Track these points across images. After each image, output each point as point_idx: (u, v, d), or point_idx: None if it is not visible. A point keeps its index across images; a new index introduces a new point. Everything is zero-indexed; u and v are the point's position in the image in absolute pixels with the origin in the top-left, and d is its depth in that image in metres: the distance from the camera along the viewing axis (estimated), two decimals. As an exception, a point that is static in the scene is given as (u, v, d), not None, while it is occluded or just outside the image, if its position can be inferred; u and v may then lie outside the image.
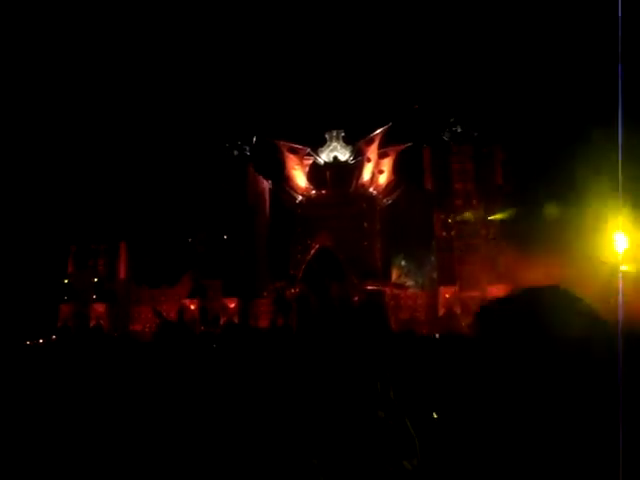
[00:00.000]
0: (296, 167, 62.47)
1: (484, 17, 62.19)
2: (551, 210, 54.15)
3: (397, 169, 62.14)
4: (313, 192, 62.61)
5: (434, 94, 59.85)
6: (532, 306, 2.29)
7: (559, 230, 53.93)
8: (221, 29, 66.09)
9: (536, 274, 45.92)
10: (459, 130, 59.97)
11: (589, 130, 55.30)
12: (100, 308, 59.45)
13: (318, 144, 63.45)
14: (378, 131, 61.16)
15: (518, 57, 59.49)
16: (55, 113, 61.15)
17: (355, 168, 62.10)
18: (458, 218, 57.94)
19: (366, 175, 61.58)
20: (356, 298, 55.17)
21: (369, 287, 56.14)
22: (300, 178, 62.66)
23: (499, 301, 2.42)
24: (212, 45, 64.98)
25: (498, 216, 56.83)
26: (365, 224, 60.59)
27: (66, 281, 60.87)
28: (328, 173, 62.12)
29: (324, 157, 63.09)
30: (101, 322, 58.79)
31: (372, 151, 61.53)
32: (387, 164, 62.18)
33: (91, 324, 58.66)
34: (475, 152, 58.97)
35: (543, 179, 53.63)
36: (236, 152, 62.74)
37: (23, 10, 59.71)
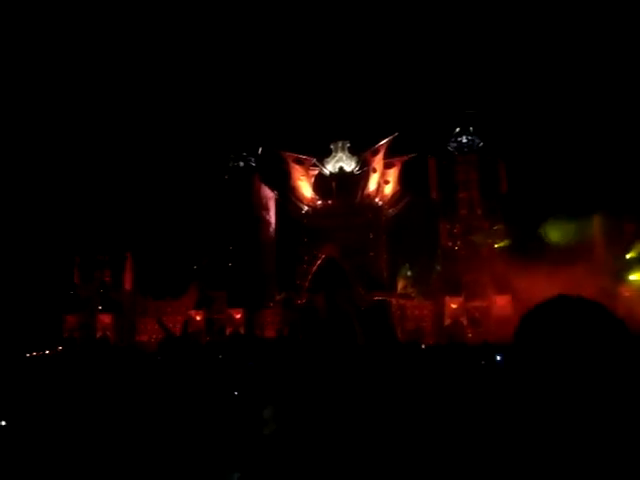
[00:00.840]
0: (302, 178, 62.58)
1: (489, 29, 62.39)
2: (555, 220, 54.12)
3: (402, 179, 62.19)
4: (319, 202, 62.69)
5: (439, 105, 59.98)
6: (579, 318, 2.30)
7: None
8: (228, 41, 66.41)
9: (541, 283, 45.79)
10: (464, 140, 60.05)
11: (590, 138, 55.40)
12: (106, 319, 59.42)
13: (324, 155, 63.59)
14: (383, 142, 61.27)
15: (523, 68, 59.65)
16: (62, 124, 61.46)
17: (361, 178, 62.17)
18: (463, 228, 57.89)
19: (372, 185, 61.64)
20: (362, 308, 55.09)
21: (375, 297, 56.04)
22: (306, 188, 62.76)
23: (544, 308, 2.42)
24: (219, 57, 65.28)
25: (503, 225, 56.76)
26: (371, 234, 60.59)
27: (72, 292, 60.91)
28: (334, 183, 62.20)
29: (330, 168, 63.20)
30: (107, 333, 58.80)
31: (378, 161, 61.62)
32: (393, 174, 62.25)
33: (97, 335, 58.67)
34: (479, 162, 59.02)
35: (547, 188, 53.63)
36: (242, 163, 62.89)
37: (24, 17, 60.09)
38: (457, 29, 62.79)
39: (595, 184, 52.04)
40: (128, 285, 61.21)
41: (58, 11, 61.58)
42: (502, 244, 56.20)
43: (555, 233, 53.08)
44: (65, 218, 58.32)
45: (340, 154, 63.36)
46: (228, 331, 57.66)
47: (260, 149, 63.18)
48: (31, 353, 53.28)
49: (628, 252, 54.16)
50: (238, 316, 58.13)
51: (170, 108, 62.14)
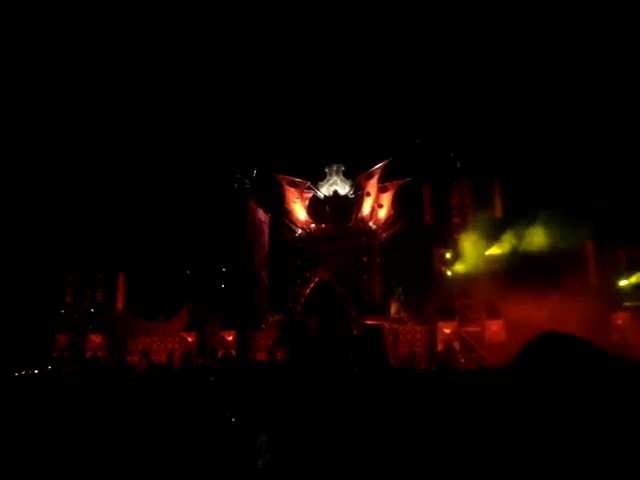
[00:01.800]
0: (296, 200, 62.61)
1: (482, 56, 62.97)
2: (550, 244, 54.26)
3: (396, 204, 62.28)
4: (313, 226, 62.68)
5: (434, 130, 60.32)
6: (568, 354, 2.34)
7: (558, 265, 54.01)
8: (225, 65, 66.78)
9: (535, 309, 45.80)
10: (458, 165, 60.29)
11: (584, 165, 55.73)
12: (97, 339, 59.01)
13: (318, 178, 63.75)
14: (378, 166, 61.42)
15: (518, 95, 60.13)
16: (58, 142, 61.51)
17: (355, 202, 62.26)
18: (457, 252, 57.93)
19: (366, 209, 61.70)
20: (355, 332, 54.89)
21: (368, 321, 55.85)
22: (300, 212, 62.76)
23: (537, 345, 2.46)
24: (215, 80, 65.63)
25: (497, 250, 56.81)
26: (364, 258, 60.51)
27: (63, 311, 60.55)
28: (328, 207, 62.23)
29: (324, 191, 63.31)
30: (97, 353, 58.38)
31: (372, 185, 61.72)
32: (387, 198, 62.34)
33: (87, 355, 58.23)
34: (473, 186, 59.24)
35: (541, 213, 53.85)
36: (236, 185, 62.96)
37: (25, 18, 60.33)
38: (452, 54, 63.37)
39: (589, 210, 52.23)
40: (120, 305, 60.90)
41: (64, 20, 61.89)
42: (495, 269, 56.26)
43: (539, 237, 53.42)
44: (58, 237, 58.19)
45: (335, 178, 63.52)
46: (220, 353, 57.33)
47: (255, 171, 63.33)
48: (20, 372, 52.89)
49: (622, 278, 54.24)
50: (230, 338, 57.82)
51: (166, 130, 62.34)
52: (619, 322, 51.20)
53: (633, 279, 53.95)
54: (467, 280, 56.82)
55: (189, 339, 58.29)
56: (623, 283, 54.33)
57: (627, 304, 52.91)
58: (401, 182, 61.91)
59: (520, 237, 54.34)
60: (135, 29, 63.39)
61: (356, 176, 63.03)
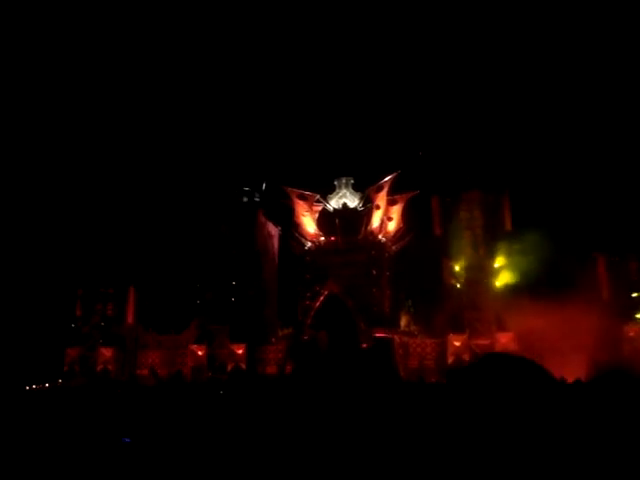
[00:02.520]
0: (305, 213, 62.61)
1: (492, 67, 63.04)
2: (560, 257, 54.09)
3: (406, 216, 62.17)
4: (322, 239, 62.62)
5: (443, 143, 60.36)
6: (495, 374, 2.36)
7: (569, 278, 53.79)
8: (234, 78, 67.14)
9: (544, 322, 45.62)
10: (467, 178, 60.23)
11: (594, 179, 55.61)
12: (107, 352, 59.09)
13: (327, 191, 63.77)
14: (387, 178, 61.39)
15: (526, 106, 60.11)
16: (66, 156, 61.91)
17: (364, 215, 62.17)
18: (467, 265, 57.82)
19: (375, 222, 61.61)
20: (365, 345, 54.76)
21: (378, 334, 55.70)
22: (309, 225, 62.75)
23: (468, 367, 2.46)
24: (225, 93, 65.96)
25: (507, 263, 56.70)
26: (374, 271, 60.35)
27: (73, 325, 60.70)
28: (337, 220, 62.16)
29: (333, 204, 63.29)
30: (108, 366, 58.44)
31: (381, 198, 61.67)
32: (396, 211, 62.23)
33: (98, 368, 58.31)
34: (483, 199, 59.17)
35: (552, 226, 53.69)
36: (246, 198, 63.13)
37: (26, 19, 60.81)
38: (462, 67, 63.42)
39: (599, 223, 52.10)
40: (130, 319, 61.02)
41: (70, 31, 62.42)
42: (505, 281, 56.14)
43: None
44: (69, 251, 58.45)
45: (344, 190, 63.52)
46: (229, 367, 57.27)
47: (264, 185, 63.47)
48: (31, 386, 53.01)
49: (633, 291, 53.97)
50: (240, 351, 57.78)
51: (176, 144, 62.64)
52: (631, 334, 50.97)
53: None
54: (477, 293, 56.70)
55: (199, 352, 58.26)
56: (634, 295, 54.07)
57: (639, 316, 52.66)
58: (410, 195, 61.79)
59: (530, 250, 54.13)
60: (145, 39, 63.86)
61: (365, 189, 63.02)
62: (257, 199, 63.52)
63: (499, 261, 57.32)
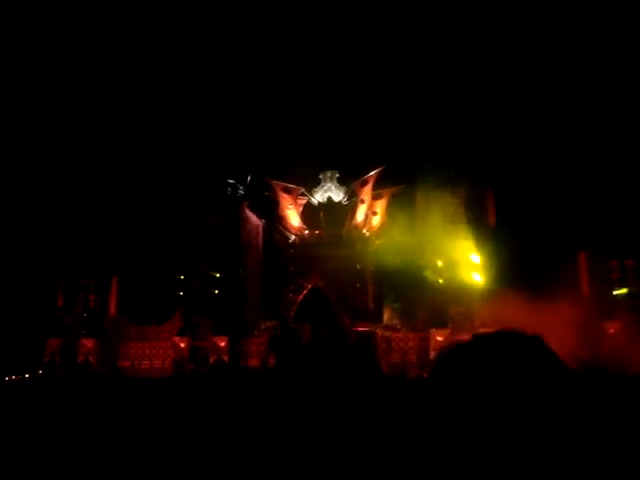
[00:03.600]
0: (290, 207, 62.61)
1: (476, 64, 63.20)
2: (543, 254, 54.45)
3: (390, 211, 62.31)
4: (306, 232, 62.67)
5: (428, 137, 60.46)
6: (486, 353, 2.32)
7: (551, 274, 54.18)
8: (216, 69, 66.79)
9: (527, 318, 45.87)
10: (451, 173, 60.43)
11: (579, 174, 55.98)
12: (89, 343, 58.69)
13: (312, 184, 63.77)
14: (372, 173, 61.52)
15: (510, 101, 60.34)
16: (49, 143, 61.38)
17: (349, 209, 62.31)
18: (450, 260, 58.05)
19: (360, 216, 61.75)
20: (347, 339, 54.88)
21: (360, 328, 55.87)
22: (294, 218, 62.76)
23: (456, 347, 2.43)
24: (208, 84, 65.60)
25: (490, 258, 57.00)
26: (357, 265, 60.54)
27: (54, 315, 60.26)
28: (322, 213, 62.26)
29: (318, 197, 63.35)
30: (89, 358, 58.08)
31: (366, 193, 61.81)
32: (380, 206, 62.40)
33: (79, 360, 57.93)
34: (467, 194, 59.41)
35: (535, 221, 54.07)
36: (230, 190, 62.89)
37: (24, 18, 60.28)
38: (446, 62, 63.53)
39: (582, 219, 52.48)
40: (113, 310, 60.70)
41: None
42: (487, 277, 56.43)
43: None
44: (51, 241, 58.01)
45: (329, 184, 63.59)
46: (212, 359, 57.16)
47: (249, 177, 63.26)
48: (10, 377, 52.62)
49: (614, 288, 54.43)
50: (222, 344, 57.66)
51: (159, 135, 62.24)
52: (611, 331, 51.39)
53: (625, 289, 54.17)
54: (459, 288, 56.97)
55: (181, 344, 58.08)
56: (616, 292, 54.55)
57: (619, 313, 53.14)
58: (395, 189, 61.99)
59: (513, 246, 54.45)
60: (119, 27, 63.38)
61: (350, 183, 63.13)
62: (241, 192, 63.28)
63: (482, 256, 57.59)
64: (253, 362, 57.60)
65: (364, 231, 61.99)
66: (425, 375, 52.31)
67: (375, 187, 62.15)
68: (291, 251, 62.35)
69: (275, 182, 62.42)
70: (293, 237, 62.72)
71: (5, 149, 59.49)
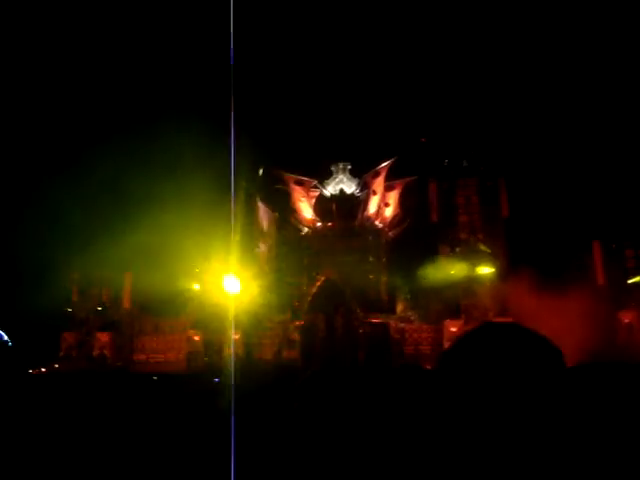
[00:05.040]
0: (302, 199, 62.60)
1: (489, 54, 62.79)
2: (555, 244, 54.20)
3: (403, 202, 62.23)
4: (319, 224, 62.66)
5: (440, 128, 60.25)
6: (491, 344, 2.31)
7: (565, 264, 53.95)
8: (228, 63, 66.66)
9: (541, 308, 45.76)
10: (465, 164, 60.24)
11: (592, 164, 55.60)
12: (104, 337, 59.18)
13: (324, 177, 63.72)
14: (384, 164, 61.39)
15: (523, 91, 59.97)
16: (43, 142, 61.62)
17: (361, 201, 62.23)
18: (463, 251, 57.94)
19: (372, 208, 61.67)
20: (361, 331, 54.94)
21: (374, 320, 55.90)
22: (306, 210, 62.75)
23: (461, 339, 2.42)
24: (217, 75, 65.52)
25: (504, 249, 56.84)
26: (370, 257, 60.49)
27: (69, 309, 60.72)
28: (334, 206, 62.21)
29: (330, 189, 63.29)
30: (105, 351, 58.53)
31: (378, 184, 61.70)
32: (393, 197, 62.29)
33: (95, 353, 58.40)
34: (480, 185, 59.22)
35: (549, 212, 53.80)
36: (243, 183, 62.94)
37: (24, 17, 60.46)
38: (458, 52, 63.17)
39: (596, 209, 52.17)
40: (127, 304, 61.02)
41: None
42: (501, 268, 56.26)
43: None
44: (65, 235, 58.26)
45: (341, 176, 63.51)
46: (226, 352, 57.37)
47: (261, 170, 63.28)
48: (27, 370, 53.08)
49: (629, 277, 54.18)
50: (236, 337, 57.85)
51: (173, 127, 62.25)
52: (626, 321, 51.17)
53: (638, 276, 53.96)
54: (473, 279, 56.86)
55: (195, 338, 58.37)
56: (631, 281, 54.29)
57: (634, 303, 52.90)
58: (407, 181, 61.85)
59: (526, 236, 54.26)
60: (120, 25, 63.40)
61: (362, 174, 63.02)
62: (254, 184, 63.30)
63: (495, 247, 57.43)
64: (266, 355, 57.78)
65: (377, 222, 61.90)
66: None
67: (387, 178, 62.02)
68: (304, 243, 62.36)
69: (288, 175, 62.43)
70: (306, 229, 62.73)
71: (3, 147, 59.80)
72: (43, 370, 56.08)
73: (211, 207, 60.33)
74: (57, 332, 59.30)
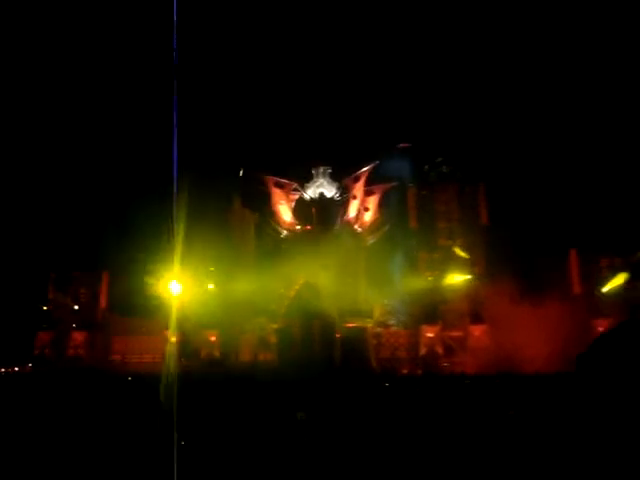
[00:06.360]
0: (282, 202, 62.46)
1: (470, 60, 63.23)
2: (532, 252, 54.68)
3: (382, 207, 62.33)
4: (298, 227, 62.52)
5: (420, 134, 60.47)
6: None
7: (542, 272, 54.45)
8: (208, 63, 66.54)
9: (517, 315, 46.11)
10: (444, 170, 60.56)
11: (569, 175, 56.16)
12: (79, 337, 58.56)
13: (305, 180, 63.61)
14: (364, 169, 61.49)
15: (503, 98, 60.41)
16: (34, 141, 61.13)
17: (341, 205, 62.22)
18: (441, 257, 58.18)
19: (351, 212, 61.71)
20: (338, 335, 54.87)
21: (351, 324, 55.86)
22: (286, 213, 62.61)
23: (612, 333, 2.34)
24: (197, 78, 65.33)
25: (482, 256, 57.17)
26: (349, 261, 60.41)
27: (45, 308, 60.03)
28: (314, 209, 62.13)
29: (310, 193, 63.20)
30: (79, 351, 57.88)
31: (358, 188, 61.75)
32: (372, 202, 62.36)
33: (69, 353, 57.71)
34: (460, 192, 59.56)
35: (527, 220, 54.22)
36: (222, 185, 62.63)
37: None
38: (438, 58, 63.53)
39: (573, 217, 52.66)
40: (103, 304, 60.47)
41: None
42: (478, 275, 56.58)
43: None
44: (42, 234, 57.70)
45: (321, 180, 63.44)
46: (202, 354, 57.07)
47: (241, 172, 63.02)
48: (0, 370, 52.48)
49: (603, 286, 54.74)
50: (213, 339, 57.59)
51: (149, 129, 61.93)
52: (600, 329, 51.63)
53: (612, 284, 54.57)
54: (450, 285, 57.12)
55: (172, 339, 57.92)
56: (605, 290, 54.86)
57: (608, 311, 53.42)
58: (387, 186, 61.96)
59: (504, 243, 54.61)
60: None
61: (343, 179, 63.02)
62: (234, 186, 63.05)
63: (473, 254, 57.74)
64: (244, 357, 57.52)
65: (356, 227, 61.94)
66: (416, 371, 52.50)
67: (367, 183, 62.11)
68: (283, 246, 62.15)
69: (268, 177, 62.27)
70: (285, 232, 62.55)
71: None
72: (16, 369, 55.44)
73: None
74: (32, 331, 58.53)
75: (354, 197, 61.70)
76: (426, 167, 61.26)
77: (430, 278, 57.84)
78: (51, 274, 60.52)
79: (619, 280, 54.60)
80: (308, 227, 62.36)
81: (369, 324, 57.14)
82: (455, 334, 55.61)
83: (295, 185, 63.00)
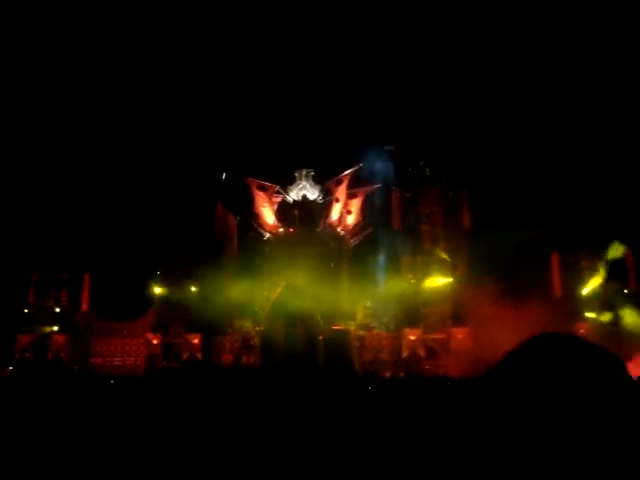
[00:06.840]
0: (265, 204, 62.41)
1: (453, 64, 63.62)
2: (515, 255, 55.02)
3: (365, 210, 62.51)
4: (281, 230, 62.52)
5: (403, 137, 60.74)
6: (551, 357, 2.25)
7: (524, 275, 54.80)
8: (193, 66, 66.45)
9: (500, 318, 46.31)
10: (427, 173, 60.82)
11: (551, 177, 56.60)
12: (60, 340, 58.15)
13: (287, 182, 63.64)
14: (347, 172, 61.60)
15: (486, 103, 60.82)
16: (20, 142, 60.71)
17: (324, 208, 62.30)
18: (424, 261, 58.39)
19: (334, 215, 61.79)
20: (321, 337, 54.91)
21: (334, 327, 55.93)
22: (268, 216, 62.57)
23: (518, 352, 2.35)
24: (183, 81, 65.25)
25: (464, 259, 57.44)
26: (332, 264, 60.50)
27: (26, 310, 59.56)
28: (297, 212, 62.16)
29: (293, 195, 63.22)
30: (60, 354, 57.45)
31: (341, 191, 61.85)
32: (355, 205, 62.50)
33: (50, 356, 57.27)
34: (443, 195, 59.84)
35: (510, 223, 54.56)
36: (205, 188, 62.57)
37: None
38: (424, 64, 63.85)
39: (555, 220, 53.05)
40: (85, 306, 60.10)
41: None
42: (461, 278, 56.84)
43: None
44: (23, 235, 57.31)
45: (304, 182, 63.47)
46: (185, 356, 56.90)
47: (224, 174, 62.98)
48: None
49: (584, 288, 55.22)
50: (195, 341, 57.45)
51: (134, 132, 61.76)
52: (581, 332, 52.03)
53: (591, 285, 55.04)
54: (433, 288, 57.36)
55: (154, 341, 57.74)
56: (585, 293, 55.33)
57: (588, 315, 53.89)
58: (370, 189, 62.15)
59: (486, 246, 54.90)
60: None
61: (325, 181, 63.12)
62: (216, 189, 62.97)
63: (456, 257, 58.01)
64: (226, 359, 57.41)
65: (339, 229, 62.03)
66: (398, 374, 52.64)
67: (350, 186, 62.24)
68: (266, 249, 62.12)
69: (250, 179, 62.21)
70: (268, 235, 62.51)
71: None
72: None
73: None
74: (12, 334, 58.02)
75: (337, 200, 61.80)
76: (409, 170, 61.48)
77: (413, 281, 58.03)
78: (32, 276, 60.10)
79: (597, 281, 55.12)
80: (291, 230, 62.39)
81: (352, 327, 57.25)
82: (437, 337, 55.84)
83: (278, 188, 62.99)
